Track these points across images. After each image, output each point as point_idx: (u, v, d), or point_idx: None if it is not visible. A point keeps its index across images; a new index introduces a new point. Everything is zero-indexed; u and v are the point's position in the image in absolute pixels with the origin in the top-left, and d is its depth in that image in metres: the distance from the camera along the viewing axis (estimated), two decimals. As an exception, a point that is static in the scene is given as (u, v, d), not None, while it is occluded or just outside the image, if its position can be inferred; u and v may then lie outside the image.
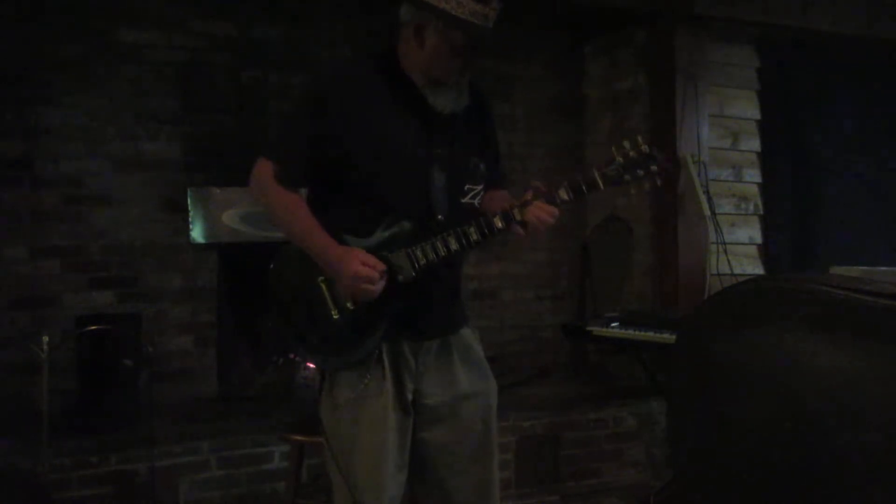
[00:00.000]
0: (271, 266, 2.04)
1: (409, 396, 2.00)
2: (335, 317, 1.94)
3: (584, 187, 1.87)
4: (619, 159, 1.87)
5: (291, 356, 3.86)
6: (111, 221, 3.74)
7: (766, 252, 4.55)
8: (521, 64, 4.60)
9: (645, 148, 1.87)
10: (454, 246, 1.90)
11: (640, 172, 1.87)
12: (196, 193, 3.80)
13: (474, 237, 1.90)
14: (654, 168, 1.87)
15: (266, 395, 3.90)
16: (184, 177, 3.83)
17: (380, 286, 1.88)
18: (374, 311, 1.93)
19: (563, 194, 1.89)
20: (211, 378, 3.90)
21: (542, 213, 1.89)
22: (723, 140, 4.43)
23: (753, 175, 4.53)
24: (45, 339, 3.06)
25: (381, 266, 1.88)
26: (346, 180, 1.96)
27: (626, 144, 1.88)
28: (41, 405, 3.08)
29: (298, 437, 2.68)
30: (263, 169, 1.98)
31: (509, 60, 4.53)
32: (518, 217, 1.89)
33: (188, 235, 3.79)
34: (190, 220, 3.78)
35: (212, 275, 3.91)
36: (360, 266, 1.86)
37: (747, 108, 4.52)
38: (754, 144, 4.54)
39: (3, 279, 3.57)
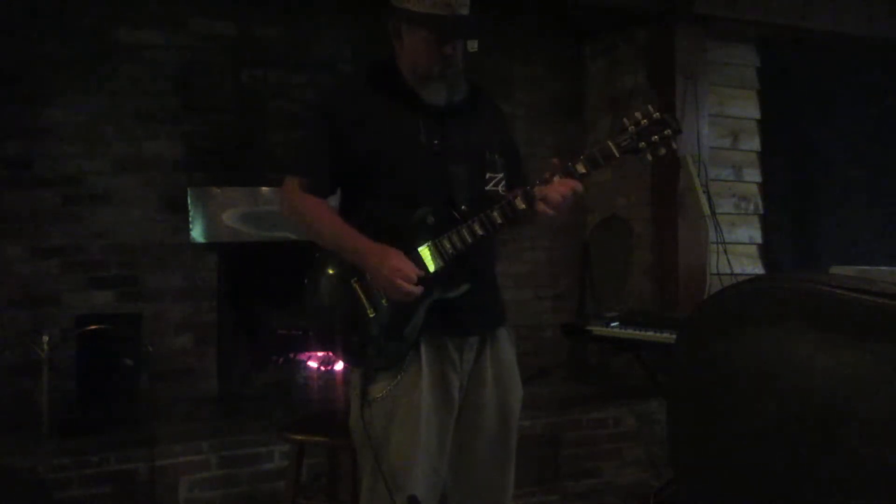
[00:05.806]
0: (306, 278, 2.07)
1: (456, 394, 2.02)
2: (371, 315, 1.95)
3: (600, 159, 1.88)
4: (632, 128, 1.88)
5: (298, 357, 3.86)
6: (111, 221, 3.75)
7: (766, 252, 4.55)
8: (521, 64, 4.60)
9: (657, 115, 1.88)
10: (480, 231, 1.91)
11: (655, 138, 1.88)
12: (196, 193, 3.79)
13: (499, 220, 1.91)
14: (667, 132, 1.87)
15: (266, 395, 3.90)
16: (184, 177, 3.83)
17: (417, 289, 1.89)
18: (410, 306, 1.94)
19: (581, 167, 1.89)
20: (211, 378, 3.90)
21: (563, 187, 1.88)
22: (723, 139, 4.43)
23: (753, 174, 4.53)
24: (45, 338, 3.07)
25: (418, 270, 1.89)
26: (367, 186, 1.99)
27: (638, 115, 1.88)
28: (41, 405, 3.09)
29: (298, 437, 2.67)
30: (290, 185, 2.03)
31: (509, 60, 4.54)
32: (539, 195, 1.88)
33: (188, 235, 3.79)
34: (190, 220, 3.78)
35: (212, 275, 3.91)
36: (400, 262, 1.88)
37: (747, 108, 4.52)
38: (754, 144, 4.54)
39: (3, 279, 3.57)
